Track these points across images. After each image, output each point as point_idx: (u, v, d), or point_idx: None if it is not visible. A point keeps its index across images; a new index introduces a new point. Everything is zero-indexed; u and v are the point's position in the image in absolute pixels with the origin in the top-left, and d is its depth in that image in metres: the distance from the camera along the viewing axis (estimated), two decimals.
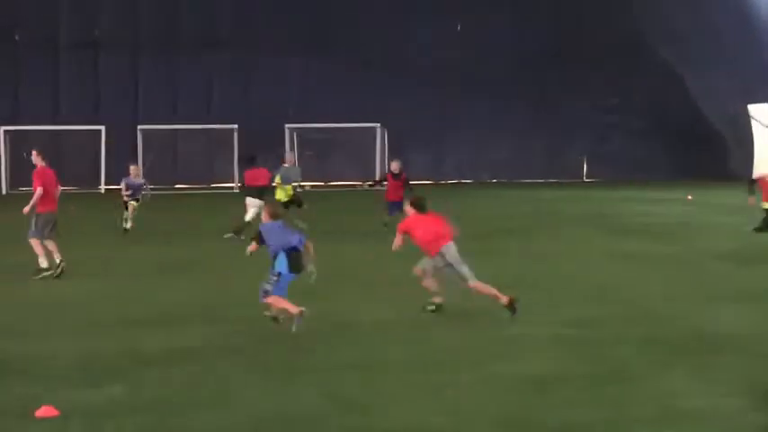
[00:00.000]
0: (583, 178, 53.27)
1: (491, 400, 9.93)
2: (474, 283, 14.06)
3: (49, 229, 18.38)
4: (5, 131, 43.87)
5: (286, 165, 27.10)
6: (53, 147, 40.84)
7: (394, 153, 47.15)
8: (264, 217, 13.67)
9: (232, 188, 44.79)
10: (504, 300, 13.91)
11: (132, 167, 26.61)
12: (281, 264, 13.14)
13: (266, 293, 13.17)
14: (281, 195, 25.80)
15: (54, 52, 46.41)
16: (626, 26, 50.66)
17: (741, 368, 11.04)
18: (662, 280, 17.72)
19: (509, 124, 50.21)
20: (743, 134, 51.49)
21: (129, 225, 25.13)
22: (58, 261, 18.27)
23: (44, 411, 9.35)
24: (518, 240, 24.50)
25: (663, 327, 13.39)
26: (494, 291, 14.02)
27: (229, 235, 23.95)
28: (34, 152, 18.90)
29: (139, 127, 45.52)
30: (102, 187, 44.51)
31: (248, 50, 47.43)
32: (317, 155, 47.36)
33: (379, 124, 46.59)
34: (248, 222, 23.98)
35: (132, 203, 25.30)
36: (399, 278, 16.99)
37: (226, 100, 47.70)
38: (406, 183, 25.17)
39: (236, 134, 45.68)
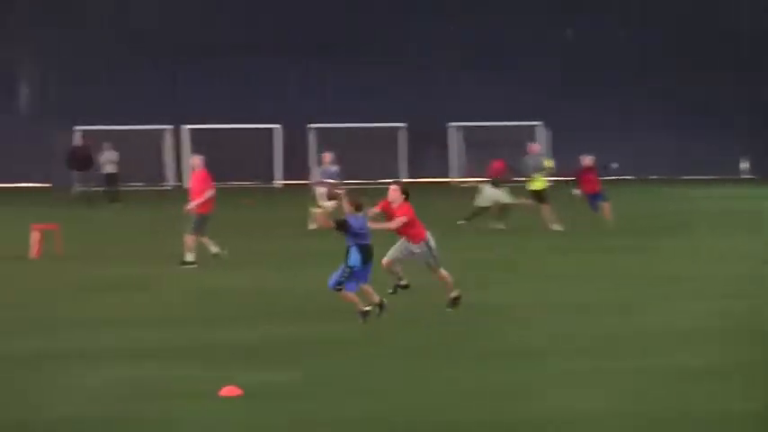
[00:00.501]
0: (740, 175, 51.65)
1: (648, 390, 10.06)
2: (443, 271, 14.56)
3: (205, 227, 19.58)
4: (190, 130, 45.85)
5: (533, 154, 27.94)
6: (230, 145, 42.93)
7: (555, 151, 47.43)
8: (347, 208, 13.95)
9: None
10: (453, 294, 14.50)
11: (326, 155, 27.28)
12: (354, 258, 13.57)
13: (339, 285, 13.62)
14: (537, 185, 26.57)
15: (212, 54, 47.94)
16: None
17: None
18: None
19: (669, 121, 49.32)
20: None
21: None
22: (216, 251, 19.38)
23: (228, 391, 9.98)
24: (673, 237, 24.62)
25: None
26: (451, 283, 14.55)
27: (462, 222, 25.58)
28: (197, 159, 20.19)
29: (310, 126, 46.79)
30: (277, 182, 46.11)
31: (408, 51, 48.04)
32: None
33: (541, 123, 46.67)
34: (485, 208, 26.07)
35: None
36: (557, 270, 17.63)
37: (395, 100, 48.31)
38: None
39: (401, 134, 46.39)
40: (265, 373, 11.06)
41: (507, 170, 27.28)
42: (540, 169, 26.81)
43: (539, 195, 26.32)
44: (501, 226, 26.23)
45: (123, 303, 15.64)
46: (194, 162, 20.78)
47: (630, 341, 12.51)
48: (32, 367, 11.42)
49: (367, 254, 13.63)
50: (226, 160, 40.00)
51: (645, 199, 38.85)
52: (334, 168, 26.66)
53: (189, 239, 19.48)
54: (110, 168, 37.47)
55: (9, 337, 13.17)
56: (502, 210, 26.60)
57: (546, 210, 26.21)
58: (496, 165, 27.29)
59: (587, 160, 27.19)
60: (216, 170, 21.18)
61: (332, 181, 24.59)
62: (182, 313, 14.99)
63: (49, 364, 11.52)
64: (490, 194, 26.45)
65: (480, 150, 47.04)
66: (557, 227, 25.60)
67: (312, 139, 46.63)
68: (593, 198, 26.47)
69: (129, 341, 12.66)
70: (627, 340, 12.57)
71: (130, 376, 10.93)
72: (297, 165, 46.64)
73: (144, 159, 44.79)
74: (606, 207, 26.28)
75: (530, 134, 45.53)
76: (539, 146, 29.97)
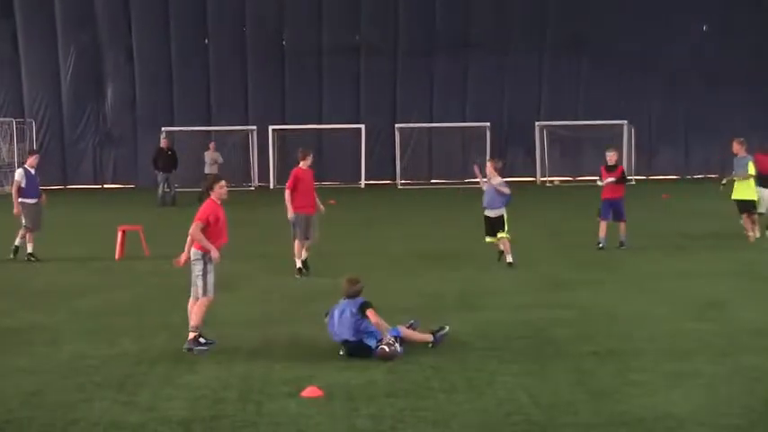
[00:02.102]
0: None
1: (741, 391, 10.13)
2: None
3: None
4: (273, 130, 46.33)
5: None
6: (316, 145, 43.36)
7: (640, 150, 47.03)
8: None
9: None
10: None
11: None
12: None
13: None
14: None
15: (318, 56, 48.54)
16: None
17: None
18: None
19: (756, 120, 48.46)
20: None
21: None
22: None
23: (310, 392, 10.21)
24: None
25: None
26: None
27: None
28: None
29: (397, 125, 47.00)
30: (362, 182, 46.35)
31: (500, 50, 48.00)
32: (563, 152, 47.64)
33: (626, 121, 46.29)
34: None
35: None
36: (662, 272, 17.58)
37: (480, 99, 48.41)
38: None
39: (488, 132, 46.52)
40: (345, 373, 11.18)
41: None
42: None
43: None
44: None
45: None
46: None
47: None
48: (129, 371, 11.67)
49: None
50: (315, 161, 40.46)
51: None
52: None
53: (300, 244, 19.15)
54: (212, 169, 38.12)
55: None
56: None
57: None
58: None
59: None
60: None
61: None
62: (262, 312, 15.21)
63: (144, 367, 11.77)
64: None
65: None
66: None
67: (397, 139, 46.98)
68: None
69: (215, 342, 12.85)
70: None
71: (215, 377, 11.14)
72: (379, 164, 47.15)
73: (230, 160, 45.50)
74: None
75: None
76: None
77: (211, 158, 39.38)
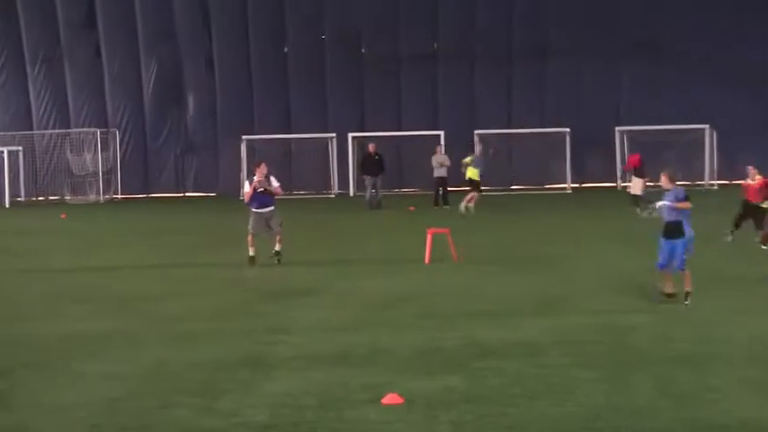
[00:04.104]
0: None
1: None
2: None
3: None
4: (353, 138, 46.50)
5: None
6: (396, 151, 43.53)
7: (723, 154, 46.19)
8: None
9: (565, 189, 45.91)
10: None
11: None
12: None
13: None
14: None
15: (397, 63, 48.65)
16: None
17: None
18: None
19: None
20: None
21: None
22: None
23: (390, 399, 10.16)
24: None
25: None
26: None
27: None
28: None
29: (476, 132, 46.88)
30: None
31: (578, 56, 47.64)
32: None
33: (708, 126, 45.65)
34: None
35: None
36: (739, 275, 17.37)
37: (559, 104, 48.11)
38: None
39: (568, 138, 46.21)
40: (424, 380, 11.14)
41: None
42: None
43: None
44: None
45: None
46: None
47: None
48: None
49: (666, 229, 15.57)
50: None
51: None
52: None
53: None
54: (440, 172, 38.72)
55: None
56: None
57: None
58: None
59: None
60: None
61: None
62: (340, 317, 15.25)
63: (224, 373, 11.86)
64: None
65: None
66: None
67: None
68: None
69: (303, 347, 12.94)
70: None
71: (295, 383, 11.17)
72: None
73: (309, 168, 45.90)
74: None
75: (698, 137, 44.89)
76: None
77: (438, 162, 39.25)
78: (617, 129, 46.82)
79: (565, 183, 46.81)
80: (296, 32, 48.96)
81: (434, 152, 40.02)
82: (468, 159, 34.99)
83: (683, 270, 15.38)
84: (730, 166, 47.09)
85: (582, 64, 47.83)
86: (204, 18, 48.84)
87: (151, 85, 49.07)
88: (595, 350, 12.41)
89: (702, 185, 44.76)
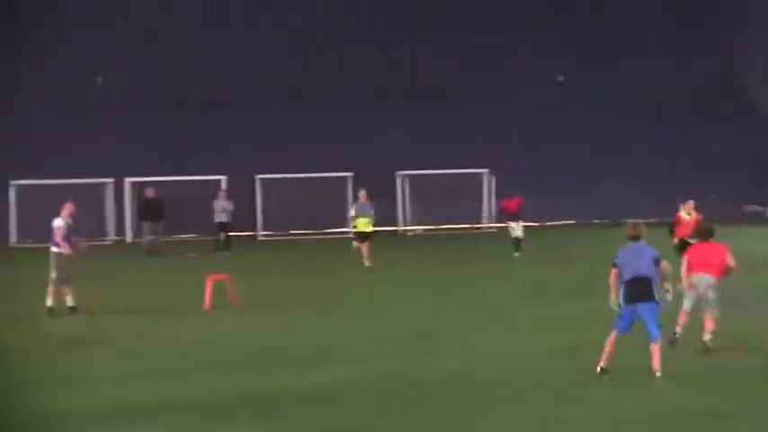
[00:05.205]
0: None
1: None
2: None
3: None
4: (131, 183, 45.23)
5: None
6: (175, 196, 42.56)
7: (502, 197, 47.37)
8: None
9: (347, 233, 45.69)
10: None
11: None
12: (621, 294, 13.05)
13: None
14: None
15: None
16: None
17: None
18: None
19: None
20: None
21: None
22: None
23: None
24: None
25: None
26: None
27: None
28: None
29: (258, 176, 46.39)
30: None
31: (359, 101, 48.07)
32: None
33: (487, 170, 46.85)
34: None
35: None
36: None
37: (341, 150, 48.10)
38: None
39: (350, 182, 46.23)
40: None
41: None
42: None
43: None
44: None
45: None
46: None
47: None
48: None
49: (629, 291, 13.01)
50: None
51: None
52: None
53: None
54: (221, 217, 38.46)
55: None
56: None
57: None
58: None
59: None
60: None
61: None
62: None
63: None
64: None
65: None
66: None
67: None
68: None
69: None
70: None
71: None
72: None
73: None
74: None
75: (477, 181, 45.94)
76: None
77: (220, 207, 38.80)
78: (398, 173, 47.30)
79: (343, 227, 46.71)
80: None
81: (216, 197, 39.51)
82: (353, 212, 32.90)
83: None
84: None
85: (365, 108, 48.16)
86: None
87: None
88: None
89: (480, 229, 45.84)
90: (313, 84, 48.43)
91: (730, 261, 15.12)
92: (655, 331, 12.84)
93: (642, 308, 12.79)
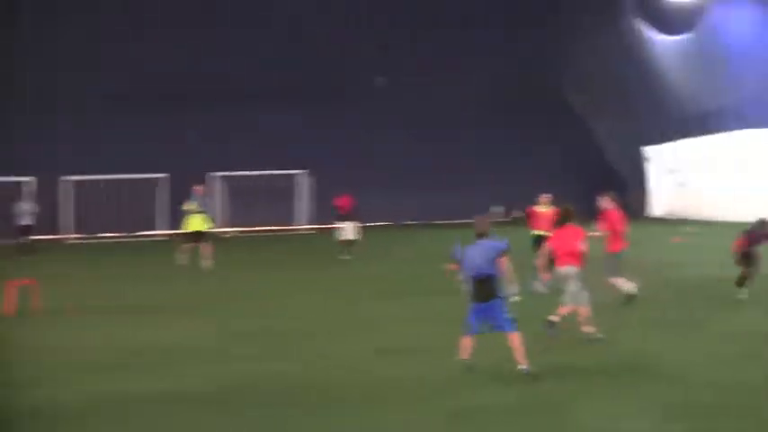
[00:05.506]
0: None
1: None
2: None
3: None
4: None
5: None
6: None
7: (321, 198, 47.19)
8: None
9: (166, 235, 44.48)
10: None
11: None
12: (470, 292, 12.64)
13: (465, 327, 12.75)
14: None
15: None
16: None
17: None
18: None
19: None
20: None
21: None
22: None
23: None
24: None
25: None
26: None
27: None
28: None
29: (62, 178, 44.74)
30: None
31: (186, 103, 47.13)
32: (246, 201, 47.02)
33: (306, 170, 46.62)
34: None
35: None
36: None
37: (156, 151, 46.96)
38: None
39: (169, 183, 45.11)
40: None
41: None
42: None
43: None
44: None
45: None
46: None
47: None
48: None
49: (477, 290, 12.54)
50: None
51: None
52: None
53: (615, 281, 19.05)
54: (26, 220, 37.14)
55: None
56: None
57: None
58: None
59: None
60: None
61: None
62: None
63: None
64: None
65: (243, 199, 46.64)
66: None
67: None
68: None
69: None
70: None
71: None
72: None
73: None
74: None
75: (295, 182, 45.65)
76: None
77: (23, 210, 37.33)
78: (216, 174, 46.53)
79: (159, 229, 45.66)
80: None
81: (18, 199, 38.17)
82: (192, 206, 29.53)
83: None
84: (326, 210, 48.26)
85: (182, 111, 47.19)
86: None
87: None
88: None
89: (299, 230, 45.40)
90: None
91: (583, 246, 15.03)
92: (507, 325, 12.51)
93: (488, 306, 12.50)
